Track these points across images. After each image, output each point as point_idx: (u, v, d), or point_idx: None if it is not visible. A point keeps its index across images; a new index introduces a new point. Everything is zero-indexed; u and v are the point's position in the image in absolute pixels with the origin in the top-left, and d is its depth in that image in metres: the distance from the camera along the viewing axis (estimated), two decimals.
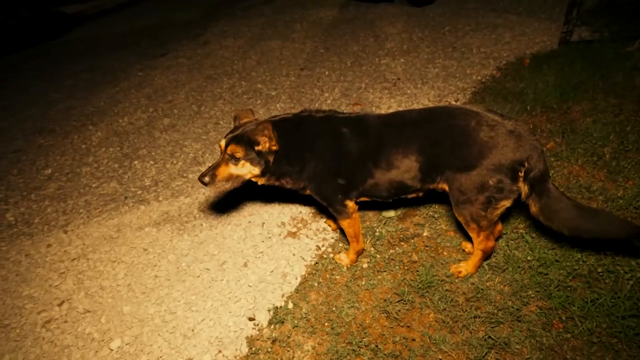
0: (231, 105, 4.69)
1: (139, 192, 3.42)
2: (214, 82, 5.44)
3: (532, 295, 1.93)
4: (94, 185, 3.62)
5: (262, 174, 2.03)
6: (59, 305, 2.42)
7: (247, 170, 1.99)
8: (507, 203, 1.77)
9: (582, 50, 4.19)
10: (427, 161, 1.83)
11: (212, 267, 2.48)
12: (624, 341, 1.67)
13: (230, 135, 1.97)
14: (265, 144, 1.91)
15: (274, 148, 1.93)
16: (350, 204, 2.07)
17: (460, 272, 2.10)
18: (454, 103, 3.94)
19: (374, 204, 2.58)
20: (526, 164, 1.67)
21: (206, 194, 3.22)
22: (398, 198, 2.09)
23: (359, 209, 2.20)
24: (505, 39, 5.22)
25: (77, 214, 3.25)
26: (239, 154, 1.93)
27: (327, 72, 5.16)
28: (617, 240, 1.81)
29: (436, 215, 2.54)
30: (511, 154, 1.66)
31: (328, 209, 2.14)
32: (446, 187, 1.87)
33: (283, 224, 2.76)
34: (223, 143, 1.96)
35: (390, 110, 4.09)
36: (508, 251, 2.17)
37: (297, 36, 6.71)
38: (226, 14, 8.98)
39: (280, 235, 2.67)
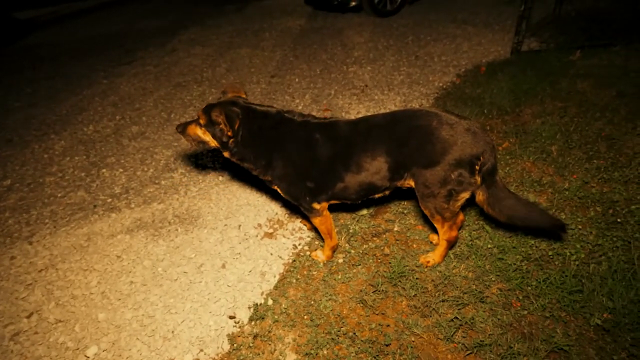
0: None
1: (109, 200, 3.35)
2: (183, 90, 5.41)
3: (493, 279, 2.11)
4: (59, 195, 3.50)
5: (223, 149, 2.14)
6: (28, 317, 2.33)
7: (209, 139, 2.13)
8: (466, 195, 1.94)
9: (531, 59, 4.58)
10: (395, 161, 1.96)
11: (189, 270, 2.50)
12: (571, 314, 1.88)
13: (207, 103, 2.10)
14: (221, 126, 2.01)
15: (229, 134, 2.01)
16: (318, 206, 2.16)
17: (428, 261, 2.25)
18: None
19: (343, 206, 2.70)
20: (481, 158, 1.85)
21: (180, 199, 3.22)
22: (366, 199, 2.21)
23: (332, 209, 2.30)
24: (463, 48, 5.58)
25: (42, 225, 3.14)
26: (202, 121, 2.07)
27: (297, 80, 5.29)
28: (541, 229, 2.11)
29: (405, 212, 2.70)
30: (469, 149, 1.83)
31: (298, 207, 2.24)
32: (412, 184, 2.01)
33: (259, 225, 2.82)
34: (201, 109, 2.09)
35: (359, 115, 4.30)
36: (470, 241, 2.36)
37: (266, 45, 6.82)
38: (194, 22, 8.95)
39: (257, 236, 2.72)
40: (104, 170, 3.79)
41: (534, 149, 3.06)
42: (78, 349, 2.10)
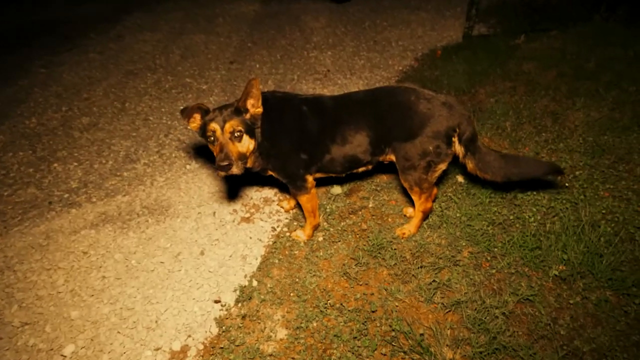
0: (159, 101, 4.47)
1: (66, 195, 3.13)
2: (136, 78, 5.11)
3: (464, 244, 2.28)
4: (5, 194, 3.20)
5: (256, 148, 2.03)
6: None
7: (247, 144, 1.96)
8: (443, 166, 2.07)
9: (481, 43, 4.88)
10: (376, 135, 2.04)
11: (166, 259, 2.42)
12: (533, 268, 2.09)
13: (222, 115, 1.91)
14: (252, 107, 1.92)
15: (259, 110, 1.94)
16: (310, 178, 2.21)
17: (404, 233, 2.38)
18: None
19: (324, 180, 2.75)
20: (458, 130, 1.97)
21: (146, 190, 3.09)
22: (350, 172, 2.28)
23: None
24: (418, 33, 5.79)
25: None
26: (239, 128, 1.89)
27: (257, 65, 5.19)
28: (537, 177, 2.22)
29: (378, 189, 2.81)
30: (445, 122, 1.94)
31: (288, 186, 2.25)
32: (393, 158, 2.11)
33: (235, 211, 2.79)
34: (216, 126, 1.89)
35: None
36: (441, 211, 2.52)
37: (221, 30, 6.59)
38: (139, 7, 8.38)
39: (234, 222, 2.70)
40: (55, 164, 3.52)
41: (490, 126, 3.29)
42: (52, 349, 1.97)
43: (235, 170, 1.87)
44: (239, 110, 1.92)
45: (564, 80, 3.85)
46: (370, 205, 2.68)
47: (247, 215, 2.74)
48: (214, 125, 1.89)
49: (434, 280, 2.06)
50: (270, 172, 2.23)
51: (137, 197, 3.02)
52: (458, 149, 2.05)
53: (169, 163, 3.40)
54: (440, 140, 1.96)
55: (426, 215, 2.34)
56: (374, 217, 2.58)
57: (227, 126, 1.88)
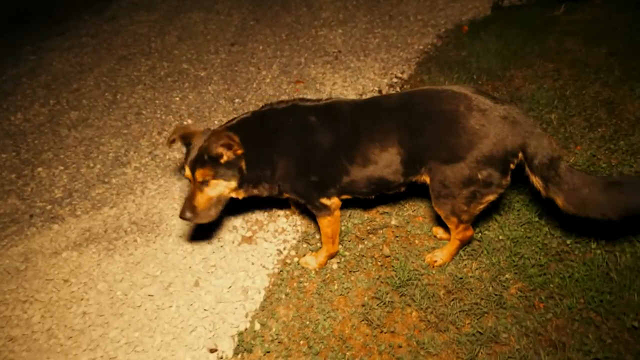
0: (153, 91, 4.04)
1: (49, 207, 2.79)
2: (129, 64, 4.67)
3: (511, 278, 1.87)
4: None
5: (240, 185, 1.76)
6: None
7: (224, 187, 1.73)
8: (492, 197, 1.64)
9: (514, 15, 4.25)
10: (409, 153, 1.63)
11: (155, 292, 2.08)
12: (602, 314, 1.68)
13: (190, 160, 1.70)
14: (227, 153, 1.66)
15: (239, 152, 1.67)
16: (329, 202, 1.83)
17: (435, 261, 1.97)
18: (400, 75, 3.79)
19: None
20: (520, 155, 1.52)
21: (136, 200, 2.73)
22: (380, 194, 1.89)
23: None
24: (439, 5, 5.13)
25: None
26: (209, 176, 1.67)
27: (261, 47, 4.68)
28: None
29: (402, 201, 2.38)
30: (504, 143, 1.49)
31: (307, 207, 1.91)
32: (427, 180, 1.68)
33: (235, 228, 2.41)
34: (188, 172, 1.73)
35: (336, 87, 3.86)
36: (479, 232, 2.09)
37: (221, 7, 6.01)
38: None
39: (233, 242, 2.32)
40: (39, 169, 3.18)
41: (533, 119, 2.79)
42: None
43: (202, 219, 1.79)
44: (211, 156, 1.66)
45: (617, 60, 3.26)
46: (392, 223, 2.26)
47: (249, 234, 2.37)
48: (187, 169, 1.71)
49: (477, 331, 1.66)
50: (286, 195, 1.89)
51: (125, 209, 2.67)
52: (534, 180, 1.59)
53: (162, 167, 3.02)
54: (493, 167, 1.51)
55: (464, 244, 1.93)
56: (397, 238, 2.17)
57: (198, 174, 1.68)
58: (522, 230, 2.05)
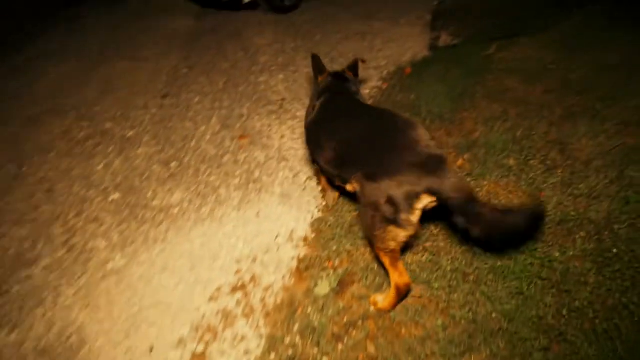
0: (70, 160, 3.43)
1: None
2: (38, 127, 4.00)
3: None
4: None
5: None
6: None
7: None
8: (400, 232, 1.67)
9: (451, 55, 4.35)
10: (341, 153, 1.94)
11: None
12: None
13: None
14: None
15: None
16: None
17: (376, 302, 1.92)
18: None
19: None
20: (423, 197, 1.63)
21: (47, 316, 2.13)
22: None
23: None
24: (377, 46, 5.16)
25: None
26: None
27: (197, 98, 4.29)
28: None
29: (378, 277, 2.09)
30: (410, 184, 1.62)
31: None
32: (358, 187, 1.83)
33: (182, 342, 1.93)
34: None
35: (284, 140, 3.56)
36: (469, 311, 1.85)
37: (149, 54, 5.55)
38: (45, 28, 7.01)
39: None
40: None
41: (492, 165, 2.72)
42: None
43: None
44: None
45: (554, 97, 3.38)
46: (372, 309, 1.95)
47: (201, 348, 1.90)
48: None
49: None
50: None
51: (31, 331, 2.06)
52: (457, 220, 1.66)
53: (82, 261, 2.45)
54: (396, 198, 1.63)
55: (401, 295, 1.84)
56: (381, 330, 1.85)
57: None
58: (514, 302, 1.85)
